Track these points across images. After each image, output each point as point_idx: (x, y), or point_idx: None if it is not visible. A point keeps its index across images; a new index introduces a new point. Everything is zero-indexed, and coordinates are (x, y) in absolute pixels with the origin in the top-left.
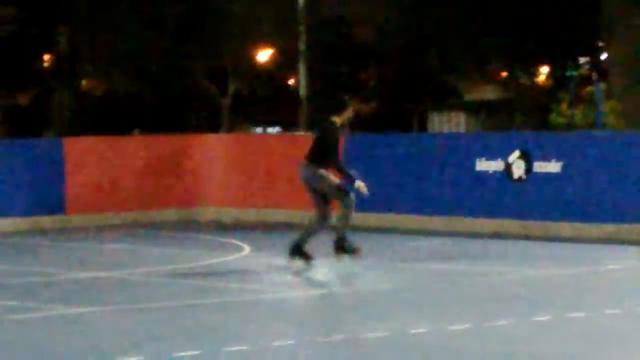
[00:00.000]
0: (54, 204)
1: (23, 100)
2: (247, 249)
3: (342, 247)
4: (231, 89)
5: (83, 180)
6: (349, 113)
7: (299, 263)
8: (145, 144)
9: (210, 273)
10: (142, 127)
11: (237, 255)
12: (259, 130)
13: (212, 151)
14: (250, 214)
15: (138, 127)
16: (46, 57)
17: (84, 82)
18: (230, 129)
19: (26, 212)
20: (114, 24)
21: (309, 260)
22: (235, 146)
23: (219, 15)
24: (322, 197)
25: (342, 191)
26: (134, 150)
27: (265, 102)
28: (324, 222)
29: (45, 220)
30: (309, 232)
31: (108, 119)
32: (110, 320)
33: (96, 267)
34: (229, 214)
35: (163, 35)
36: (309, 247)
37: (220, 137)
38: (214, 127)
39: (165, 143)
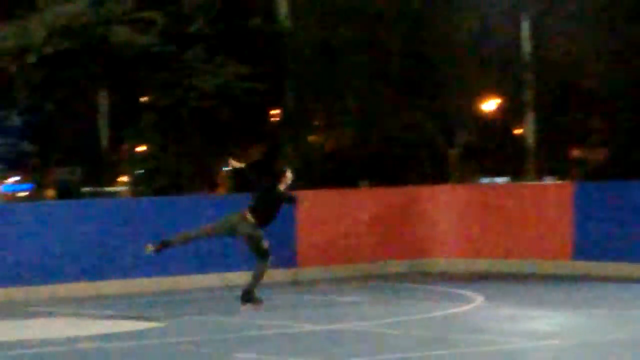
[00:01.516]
0: (287, 257)
1: (254, 156)
2: (479, 299)
3: (248, 299)
4: (459, 139)
5: (314, 233)
6: (287, 179)
7: (249, 308)
8: (374, 195)
9: (444, 324)
10: (369, 179)
11: (469, 306)
12: (486, 180)
13: (442, 202)
14: (482, 264)
15: (365, 179)
16: (274, 112)
17: (311, 137)
18: (459, 180)
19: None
20: (340, 80)
21: (258, 304)
22: (467, 197)
23: (445, 69)
24: (254, 243)
25: (266, 255)
26: (363, 203)
27: (492, 152)
28: (266, 259)
29: (278, 274)
30: (256, 277)
31: (335, 171)
32: None
33: (331, 319)
34: (460, 264)
35: (389, 89)
36: (258, 293)
37: (451, 188)
38: (441, 178)
39: (394, 194)
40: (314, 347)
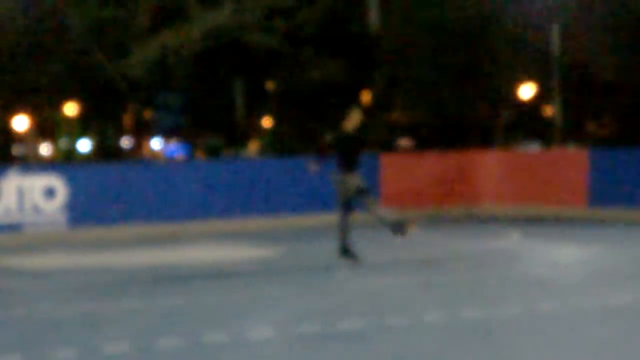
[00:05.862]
0: None
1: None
2: (515, 235)
3: (400, 231)
4: (503, 115)
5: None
6: (354, 120)
7: (347, 262)
8: (439, 158)
9: (486, 255)
10: (439, 146)
11: (508, 241)
12: (524, 147)
13: (490, 163)
14: (518, 210)
15: (436, 145)
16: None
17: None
18: (502, 146)
19: None
20: (417, 71)
21: (355, 259)
22: (507, 160)
23: (491, 60)
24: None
25: (367, 191)
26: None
27: (526, 126)
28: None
29: None
30: (381, 214)
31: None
32: None
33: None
34: (503, 210)
35: (445, 77)
36: (353, 247)
37: (495, 153)
38: (489, 144)
39: (454, 157)
40: None
